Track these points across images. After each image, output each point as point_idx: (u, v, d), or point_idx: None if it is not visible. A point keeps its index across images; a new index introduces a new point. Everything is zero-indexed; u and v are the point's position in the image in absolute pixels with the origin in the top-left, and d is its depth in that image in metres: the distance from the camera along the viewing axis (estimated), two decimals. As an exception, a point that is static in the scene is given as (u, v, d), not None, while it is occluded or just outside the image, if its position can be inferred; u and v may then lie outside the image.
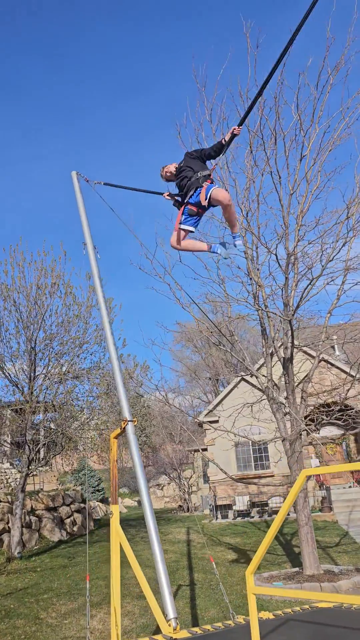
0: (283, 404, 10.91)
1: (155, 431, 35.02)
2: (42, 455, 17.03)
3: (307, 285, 10.26)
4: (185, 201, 5.11)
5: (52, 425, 16.15)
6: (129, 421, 5.95)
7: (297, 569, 10.63)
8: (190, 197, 5.06)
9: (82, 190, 7.69)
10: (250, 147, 10.36)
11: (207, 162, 5.28)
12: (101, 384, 15.53)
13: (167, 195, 5.58)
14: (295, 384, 11.01)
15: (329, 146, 10.01)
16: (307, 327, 12.42)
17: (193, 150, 5.39)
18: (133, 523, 20.03)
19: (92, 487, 29.25)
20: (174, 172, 5.41)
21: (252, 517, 20.83)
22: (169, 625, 4.77)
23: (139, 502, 33.57)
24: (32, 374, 14.88)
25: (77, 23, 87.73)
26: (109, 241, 72.66)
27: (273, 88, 10.00)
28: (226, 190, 5.14)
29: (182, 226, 5.08)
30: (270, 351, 11.22)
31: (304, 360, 12.12)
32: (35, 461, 15.16)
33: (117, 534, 5.72)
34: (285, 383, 10.98)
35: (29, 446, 14.52)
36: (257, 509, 21.42)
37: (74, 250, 23.70)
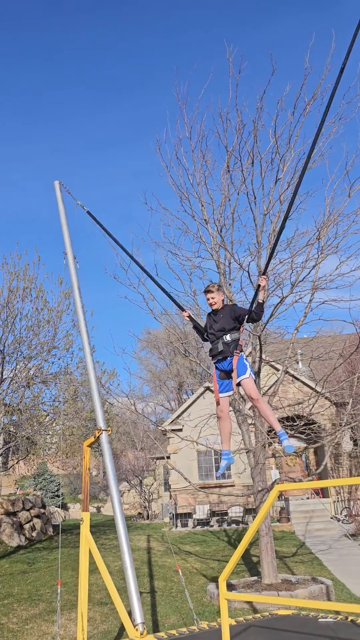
0: (250, 415, 11.21)
1: (117, 437, 34.96)
2: (0, 460, 16.84)
3: (277, 303, 10.61)
4: (215, 364, 5.09)
5: (11, 428, 16.00)
6: (103, 430, 6.10)
7: (255, 577, 10.90)
8: (219, 362, 5.02)
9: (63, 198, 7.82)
10: (228, 166, 10.68)
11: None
12: (68, 389, 15.53)
13: (187, 317, 5.56)
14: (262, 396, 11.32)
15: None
16: (274, 342, 12.77)
17: (239, 308, 5.23)
18: (92, 530, 19.94)
19: (52, 492, 29.00)
20: (211, 304, 5.19)
21: (212, 526, 21.08)
22: (137, 629, 4.95)
23: (98, 509, 33.43)
24: (-1, 377, 14.79)
25: (69, 25, 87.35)
26: (79, 240, 72.23)
27: (253, 112, 10.35)
28: (257, 385, 5.10)
29: (222, 395, 5.07)
30: (238, 364, 11.49)
31: (270, 374, 12.46)
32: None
33: (86, 541, 5.87)
34: (252, 396, 11.26)
35: (-8, 450, 14.42)
36: (217, 518, 21.69)
37: (47, 252, 23.47)
